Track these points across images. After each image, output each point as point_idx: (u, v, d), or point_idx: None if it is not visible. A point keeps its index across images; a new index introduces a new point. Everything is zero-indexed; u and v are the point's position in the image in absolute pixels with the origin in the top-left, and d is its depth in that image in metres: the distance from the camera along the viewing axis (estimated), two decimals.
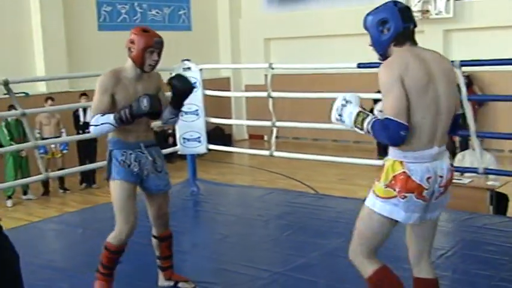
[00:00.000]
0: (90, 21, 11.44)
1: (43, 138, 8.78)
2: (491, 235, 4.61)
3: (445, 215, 5.29)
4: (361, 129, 2.70)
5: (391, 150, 2.72)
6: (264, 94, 6.18)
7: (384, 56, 2.76)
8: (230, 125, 13.24)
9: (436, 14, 10.92)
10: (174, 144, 7.07)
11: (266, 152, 6.42)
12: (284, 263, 4.18)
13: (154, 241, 3.79)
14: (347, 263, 2.81)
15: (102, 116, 3.38)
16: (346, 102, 2.77)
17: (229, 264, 4.22)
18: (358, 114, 2.71)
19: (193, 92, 3.66)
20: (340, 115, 2.78)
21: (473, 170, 5.45)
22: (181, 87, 3.56)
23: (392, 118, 2.54)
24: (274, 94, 6.13)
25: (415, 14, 3.00)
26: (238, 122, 13.49)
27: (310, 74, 11.72)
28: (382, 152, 11.18)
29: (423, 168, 2.64)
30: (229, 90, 12.76)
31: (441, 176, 2.69)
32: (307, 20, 12.62)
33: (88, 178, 9.80)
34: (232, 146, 10.94)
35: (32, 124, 7.57)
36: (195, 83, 6.05)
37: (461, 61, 4.90)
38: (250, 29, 13.71)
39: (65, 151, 9.41)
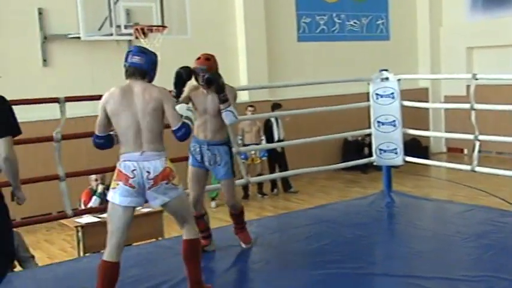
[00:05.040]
0: (290, 33, 11.85)
1: (244, 145, 9.30)
2: None
3: None
4: None
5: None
6: (467, 106, 5.91)
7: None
8: (427, 137, 12.81)
9: None
10: (370, 154, 7.04)
11: (467, 167, 6.12)
12: (486, 284, 3.95)
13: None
14: None
15: None
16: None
17: (424, 280, 4.08)
18: None
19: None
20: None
21: None
22: None
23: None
24: (478, 106, 5.83)
25: None
26: (438, 135, 13.02)
27: None
28: None
29: (130, 164, 3.53)
30: (427, 101, 12.37)
31: (148, 172, 3.52)
32: None
33: (276, 184, 10.15)
34: (429, 159, 10.57)
35: (235, 131, 8.04)
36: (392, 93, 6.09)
37: None
38: (452, 37, 13.15)
39: (264, 158, 9.84)
